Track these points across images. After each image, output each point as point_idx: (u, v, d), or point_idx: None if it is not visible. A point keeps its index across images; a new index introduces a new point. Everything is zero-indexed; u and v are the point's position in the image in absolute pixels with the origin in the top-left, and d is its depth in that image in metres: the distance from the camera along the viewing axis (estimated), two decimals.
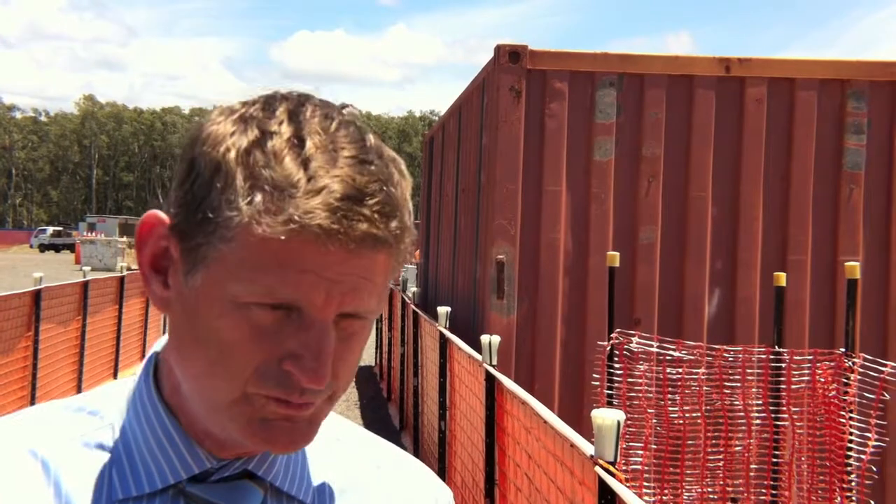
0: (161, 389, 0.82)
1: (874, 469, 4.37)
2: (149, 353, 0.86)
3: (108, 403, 0.84)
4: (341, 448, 0.90)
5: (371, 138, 0.76)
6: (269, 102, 0.76)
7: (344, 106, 0.79)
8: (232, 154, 0.73)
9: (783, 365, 4.61)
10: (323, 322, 0.73)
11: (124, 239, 39.88)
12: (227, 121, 0.76)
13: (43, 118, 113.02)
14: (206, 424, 0.79)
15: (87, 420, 0.83)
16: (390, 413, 10.05)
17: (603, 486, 2.34)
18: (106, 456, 0.80)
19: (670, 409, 4.65)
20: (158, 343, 0.86)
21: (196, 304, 0.75)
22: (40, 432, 0.81)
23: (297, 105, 0.76)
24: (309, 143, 0.73)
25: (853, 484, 4.33)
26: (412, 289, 9.35)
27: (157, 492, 0.79)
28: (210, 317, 0.74)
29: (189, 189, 0.75)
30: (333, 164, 0.72)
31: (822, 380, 4.49)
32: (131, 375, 0.87)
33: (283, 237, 0.70)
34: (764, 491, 4.73)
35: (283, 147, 0.72)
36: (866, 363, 4.31)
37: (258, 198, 0.71)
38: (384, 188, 0.73)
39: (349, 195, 0.71)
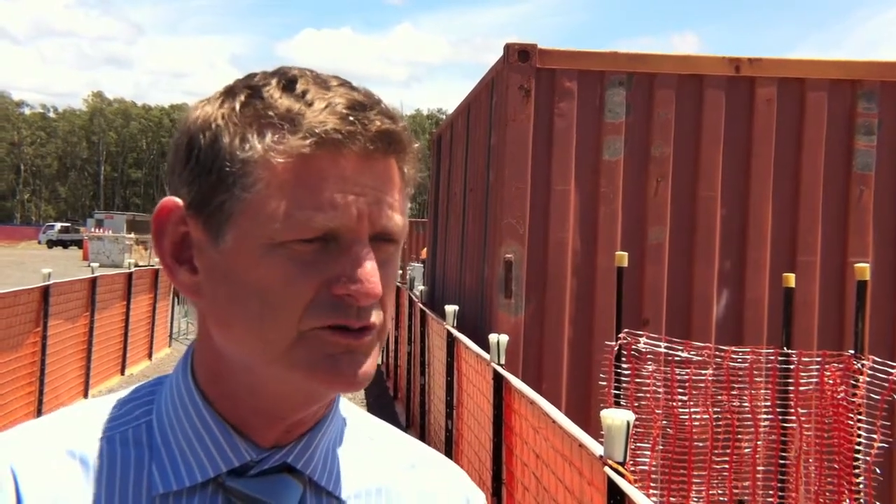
0: (198, 381, 0.82)
1: (877, 471, 4.35)
2: (187, 348, 0.86)
3: (145, 400, 0.84)
4: (376, 447, 0.90)
5: None
6: (248, 76, 0.80)
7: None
8: (228, 113, 0.76)
9: (792, 366, 4.60)
10: (360, 239, 0.75)
11: (132, 235, 39.97)
12: (212, 101, 0.79)
13: (51, 114, 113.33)
14: (261, 395, 0.79)
15: (125, 416, 0.83)
16: (397, 411, 10.05)
17: (612, 486, 2.34)
18: (145, 451, 0.81)
19: (678, 410, 4.64)
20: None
21: (231, 264, 0.76)
22: (78, 431, 0.81)
23: (275, 68, 0.80)
24: (300, 81, 0.76)
25: (861, 486, 4.31)
26: (419, 287, 9.35)
27: (196, 486, 0.79)
28: (249, 269, 0.75)
29: (195, 164, 0.77)
30: (328, 89, 0.76)
31: (831, 381, 4.47)
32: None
33: (304, 151, 0.73)
34: (771, 493, 4.71)
35: (276, 91, 0.76)
36: (875, 365, 4.30)
37: (269, 133, 0.74)
38: (381, 103, 0.77)
39: (353, 105, 0.75)
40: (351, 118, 0.74)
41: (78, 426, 0.82)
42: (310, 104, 0.74)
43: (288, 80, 0.77)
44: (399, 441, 0.93)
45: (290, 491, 0.81)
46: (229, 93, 0.78)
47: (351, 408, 0.92)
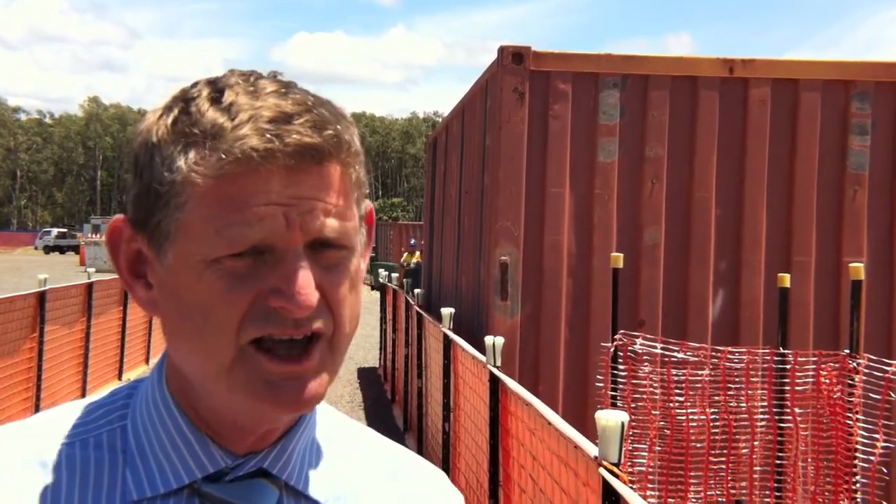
0: (172, 390, 0.82)
1: (884, 470, 4.35)
2: (161, 355, 0.87)
3: (120, 404, 0.84)
4: (357, 452, 0.91)
5: (296, 84, 0.79)
6: (191, 85, 0.80)
7: (274, 73, 0.80)
8: (162, 130, 0.76)
9: (788, 366, 4.61)
10: (293, 250, 0.74)
11: None
12: (156, 112, 0.79)
13: (47, 120, 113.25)
14: (217, 411, 0.79)
15: (100, 420, 0.83)
16: (394, 414, 10.05)
17: (607, 487, 2.34)
18: (119, 455, 0.81)
19: (675, 410, 4.65)
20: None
21: (174, 281, 0.76)
22: (51, 436, 0.81)
23: (217, 76, 0.79)
24: (228, 92, 0.75)
25: (858, 486, 4.32)
26: (416, 290, 9.36)
27: (171, 492, 0.79)
28: (189, 286, 0.75)
29: (139, 181, 0.78)
30: (256, 98, 0.75)
31: (827, 381, 4.48)
32: (139, 377, 0.88)
33: (223, 172, 0.72)
34: (769, 493, 4.72)
35: (204, 104, 0.75)
36: (871, 364, 4.31)
37: (192, 152, 0.74)
38: (313, 110, 0.75)
39: (276, 118, 0.73)
40: (269, 134, 0.72)
41: (51, 431, 0.82)
42: (233, 118, 0.73)
43: (218, 90, 0.76)
44: (378, 445, 0.93)
45: (266, 495, 0.81)
46: (168, 105, 0.78)
47: (331, 412, 0.92)
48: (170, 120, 0.76)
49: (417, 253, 23.40)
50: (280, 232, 0.73)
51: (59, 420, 0.83)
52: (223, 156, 0.72)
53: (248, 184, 0.73)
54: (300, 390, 0.75)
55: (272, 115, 0.73)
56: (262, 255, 0.74)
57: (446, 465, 5.83)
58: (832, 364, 4.48)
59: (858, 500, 4.34)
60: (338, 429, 0.91)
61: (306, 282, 0.74)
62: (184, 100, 0.77)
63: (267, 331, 0.74)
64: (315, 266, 0.75)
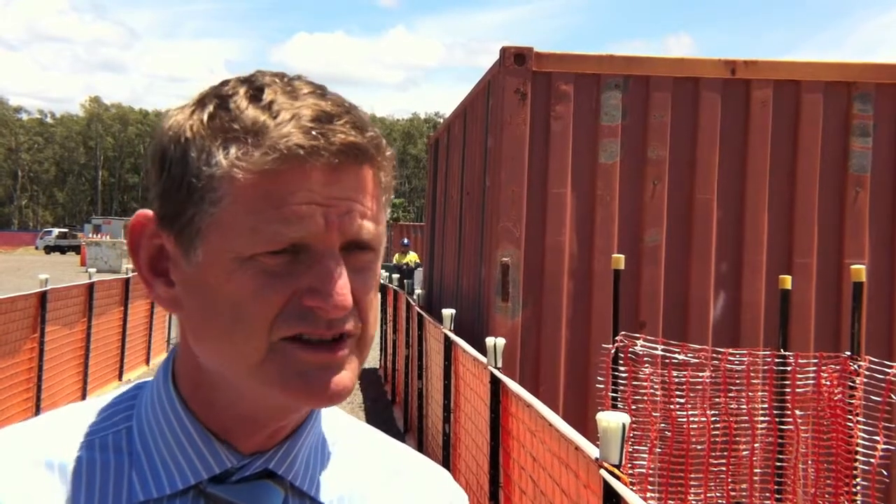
0: (179, 388, 0.82)
1: (884, 472, 4.35)
2: (167, 354, 0.86)
3: (125, 405, 0.84)
4: (361, 451, 0.91)
5: (326, 87, 0.80)
6: (221, 83, 0.80)
7: (298, 76, 0.81)
8: (197, 126, 0.76)
9: (788, 368, 4.60)
10: (330, 250, 0.74)
11: None
12: (185, 109, 0.79)
13: (49, 120, 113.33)
14: (237, 407, 0.79)
15: (105, 422, 0.83)
16: (395, 415, 10.04)
17: (608, 489, 2.34)
18: (125, 457, 0.81)
19: (675, 412, 4.64)
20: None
21: (203, 279, 0.76)
22: (56, 437, 0.81)
23: (248, 75, 0.80)
24: (267, 91, 0.76)
25: (858, 488, 4.32)
26: (417, 291, 9.35)
27: (177, 493, 0.79)
28: (220, 283, 0.75)
29: (167, 176, 0.77)
30: (295, 99, 0.75)
31: (828, 383, 4.48)
32: (141, 378, 0.87)
33: (266, 167, 0.72)
34: (769, 495, 4.72)
35: (243, 101, 0.75)
36: (872, 366, 4.30)
37: (233, 148, 0.74)
38: (351, 111, 0.76)
39: (318, 117, 0.74)
40: (314, 132, 0.73)
41: (56, 432, 0.82)
42: (275, 116, 0.74)
43: (256, 88, 0.76)
44: (383, 445, 0.93)
45: (272, 496, 0.81)
46: (200, 102, 0.78)
47: (336, 412, 0.92)
48: (205, 116, 0.76)
49: (411, 253, 23.38)
50: (318, 232, 0.74)
51: (64, 421, 0.83)
52: (267, 152, 0.73)
53: (288, 181, 0.73)
54: (331, 380, 0.75)
55: (314, 115, 0.74)
56: (298, 255, 0.74)
57: (447, 466, 5.82)
58: (833, 366, 4.47)
59: (859, 502, 4.34)
60: (342, 428, 0.91)
61: (345, 283, 0.74)
62: (218, 96, 0.77)
63: (299, 329, 0.74)
64: (347, 268, 0.75)
